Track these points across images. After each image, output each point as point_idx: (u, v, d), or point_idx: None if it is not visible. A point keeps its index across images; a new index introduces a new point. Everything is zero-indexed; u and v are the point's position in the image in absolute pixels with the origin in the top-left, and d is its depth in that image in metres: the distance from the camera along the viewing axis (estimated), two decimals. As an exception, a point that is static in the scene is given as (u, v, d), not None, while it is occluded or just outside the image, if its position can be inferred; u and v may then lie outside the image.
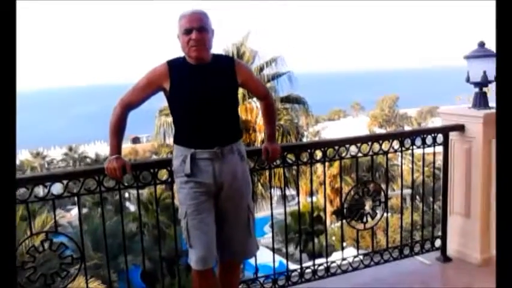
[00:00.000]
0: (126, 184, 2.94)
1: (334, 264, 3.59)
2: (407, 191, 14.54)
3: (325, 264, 3.56)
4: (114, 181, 2.83)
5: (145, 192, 19.10)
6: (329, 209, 21.83)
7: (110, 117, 2.71)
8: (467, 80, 3.79)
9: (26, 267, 2.74)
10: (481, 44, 3.73)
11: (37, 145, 46.13)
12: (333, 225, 22.35)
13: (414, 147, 3.72)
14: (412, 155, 3.84)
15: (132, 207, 24.09)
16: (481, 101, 3.77)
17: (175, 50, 2.74)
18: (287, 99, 15.64)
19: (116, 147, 2.72)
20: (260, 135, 14.23)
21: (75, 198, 2.97)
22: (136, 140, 50.61)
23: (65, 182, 2.80)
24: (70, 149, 43.97)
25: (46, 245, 2.79)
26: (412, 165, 3.75)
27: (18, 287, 2.83)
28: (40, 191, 2.83)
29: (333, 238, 20.75)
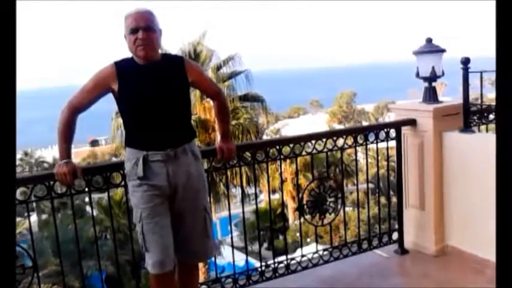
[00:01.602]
0: (78, 189, 2.86)
1: (294, 262, 3.60)
2: (370, 185, 14.81)
3: (285, 262, 3.57)
4: (65, 186, 2.75)
5: (105, 196, 18.76)
6: (292, 205, 21.99)
7: (58, 120, 2.63)
8: (417, 75, 3.88)
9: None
10: (429, 40, 3.83)
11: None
12: (296, 221, 22.52)
13: (368, 142, 3.77)
14: (366, 150, 3.91)
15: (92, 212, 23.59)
16: (430, 95, 3.86)
17: (124, 51, 2.68)
18: (245, 98, 15.65)
19: (65, 152, 2.64)
20: (218, 135, 14.20)
21: (34, 205, 2.87)
22: (94, 143, 49.58)
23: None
24: (26, 154, 42.64)
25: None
26: (366, 160, 3.82)
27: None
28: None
29: (298, 234, 20.91)
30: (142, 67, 2.61)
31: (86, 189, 2.90)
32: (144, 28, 2.54)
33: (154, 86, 2.59)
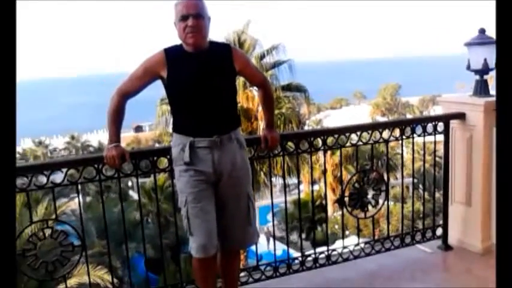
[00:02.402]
0: (126, 173, 2.93)
1: (335, 253, 3.59)
2: (409, 180, 14.53)
3: (326, 253, 3.57)
4: (114, 169, 2.83)
5: (148, 181, 19.16)
6: (332, 197, 21.87)
7: (108, 105, 2.70)
8: (468, 67, 3.76)
9: (28, 255, 2.75)
10: (482, 31, 3.69)
11: (38, 134, 46.18)
12: (336, 213, 22.39)
13: (415, 135, 3.70)
14: (413, 143, 3.83)
15: (135, 195, 24.18)
16: (482, 88, 3.74)
17: (173, 39, 2.72)
18: (288, 88, 15.60)
19: (115, 136, 2.71)
20: (262, 124, 14.22)
21: (77, 187, 2.97)
22: (138, 129, 50.65)
23: (64, 170, 2.80)
24: (72, 138, 44.04)
25: (47, 232, 2.80)
26: (413, 154, 3.73)
27: (20, 274, 2.85)
28: (44, 179, 2.83)
29: (336, 227, 20.80)
30: (191, 54, 2.64)
31: (133, 172, 2.97)
32: (194, 15, 2.56)
33: (202, 74, 2.62)
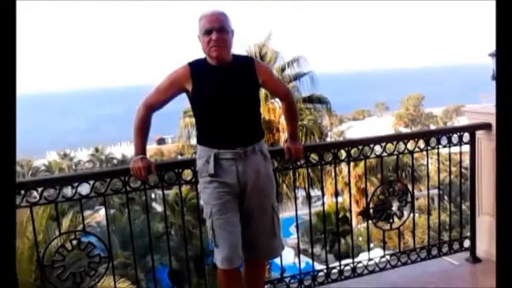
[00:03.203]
0: (151, 184, 2.97)
1: (360, 265, 3.56)
2: (434, 191, 14.32)
3: (351, 265, 3.54)
4: (140, 181, 2.87)
5: (171, 193, 19.28)
6: (355, 209, 21.65)
7: (134, 118, 2.75)
8: (493, 77, 3.71)
9: (56, 266, 2.79)
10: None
11: (63, 146, 46.99)
12: (359, 225, 22.15)
13: (440, 146, 3.66)
14: (438, 154, 3.78)
15: (158, 208, 24.36)
16: (509, 98, 3.69)
17: (195, 51, 2.76)
18: (309, 99, 15.60)
19: (141, 148, 2.75)
20: (284, 135, 14.21)
21: (103, 199, 3.02)
22: (161, 141, 51.10)
23: (91, 182, 2.85)
24: (97, 150, 44.66)
25: (74, 244, 2.85)
26: (438, 165, 3.70)
27: (49, 285, 2.90)
28: (68, 191, 2.88)
29: (360, 239, 20.57)
30: (215, 68, 2.68)
31: (159, 184, 3.00)
32: (217, 29, 2.60)
33: (226, 87, 2.65)
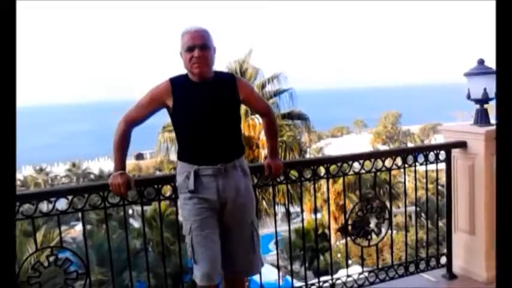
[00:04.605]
0: (130, 200, 2.95)
1: (339, 281, 3.57)
2: (411, 208, 14.47)
3: (330, 282, 3.55)
4: (119, 197, 2.85)
5: (149, 209, 19.06)
6: (334, 226, 21.71)
7: (114, 133, 2.74)
8: (468, 97, 3.81)
9: (32, 283, 2.74)
10: (481, 62, 3.76)
11: (39, 161, 46.20)
12: (338, 242, 22.20)
13: (417, 164, 3.73)
14: (415, 171, 3.84)
15: (135, 224, 24.03)
16: (482, 117, 3.78)
17: (177, 65, 2.77)
18: (289, 116, 15.66)
19: (120, 163, 2.74)
20: (264, 151, 14.22)
21: (79, 214, 2.99)
22: (139, 156, 50.68)
23: (69, 197, 2.82)
24: (73, 165, 44.05)
25: (51, 259, 2.80)
26: (415, 182, 3.75)
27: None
28: (44, 206, 2.84)
29: (338, 255, 20.59)
30: (196, 84, 2.69)
31: (138, 200, 2.99)
32: (200, 46, 2.63)
33: (207, 103, 2.67)
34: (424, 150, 3.82)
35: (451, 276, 3.85)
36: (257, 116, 14.10)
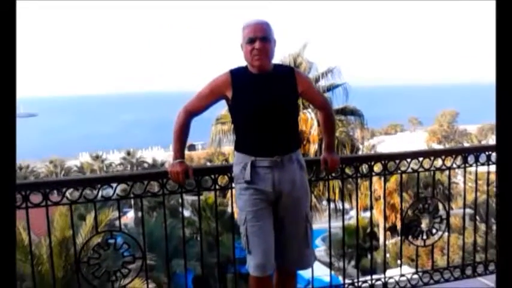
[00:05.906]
0: (187, 188, 3.01)
1: (392, 280, 3.51)
2: (467, 210, 14.00)
3: (382, 280, 3.49)
4: (177, 185, 2.91)
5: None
6: (382, 224, 21.34)
7: (174, 123, 2.80)
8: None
9: (91, 264, 2.85)
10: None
11: (95, 149, 47.88)
12: (388, 241, 21.80)
13: (478, 163, 3.59)
14: (476, 172, 3.71)
15: (185, 213, 24.55)
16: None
17: (235, 58, 2.78)
18: (342, 111, 15.46)
19: (179, 152, 2.80)
20: (313, 146, 14.13)
21: (132, 201, 3.07)
22: (191, 147, 51.55)
23: (130, 183, 2.90)
24: (128, 154, 45.40)
25: (111, 242, 2.91)
26: (476, 184, 3.61)
27: (84, 281, 2.96)
28: (95, 193, 2.93)
29: (387, 255, 20.22)
30: (256, 76, 2.70)
31: (195, 188, 3.04)
32: (261, 38, 2.63)
33: (266, 96, 2.67)
34: (487, 149, 3.67)
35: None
36: (308, 110, 14.05)
